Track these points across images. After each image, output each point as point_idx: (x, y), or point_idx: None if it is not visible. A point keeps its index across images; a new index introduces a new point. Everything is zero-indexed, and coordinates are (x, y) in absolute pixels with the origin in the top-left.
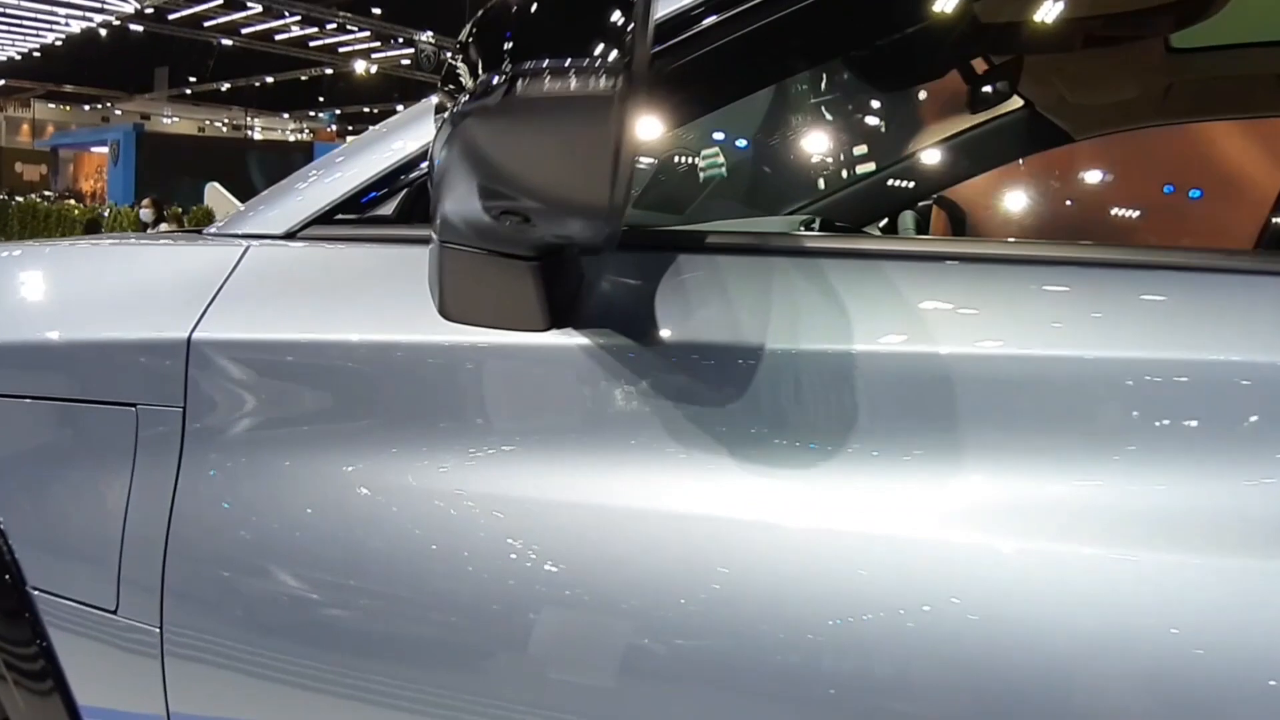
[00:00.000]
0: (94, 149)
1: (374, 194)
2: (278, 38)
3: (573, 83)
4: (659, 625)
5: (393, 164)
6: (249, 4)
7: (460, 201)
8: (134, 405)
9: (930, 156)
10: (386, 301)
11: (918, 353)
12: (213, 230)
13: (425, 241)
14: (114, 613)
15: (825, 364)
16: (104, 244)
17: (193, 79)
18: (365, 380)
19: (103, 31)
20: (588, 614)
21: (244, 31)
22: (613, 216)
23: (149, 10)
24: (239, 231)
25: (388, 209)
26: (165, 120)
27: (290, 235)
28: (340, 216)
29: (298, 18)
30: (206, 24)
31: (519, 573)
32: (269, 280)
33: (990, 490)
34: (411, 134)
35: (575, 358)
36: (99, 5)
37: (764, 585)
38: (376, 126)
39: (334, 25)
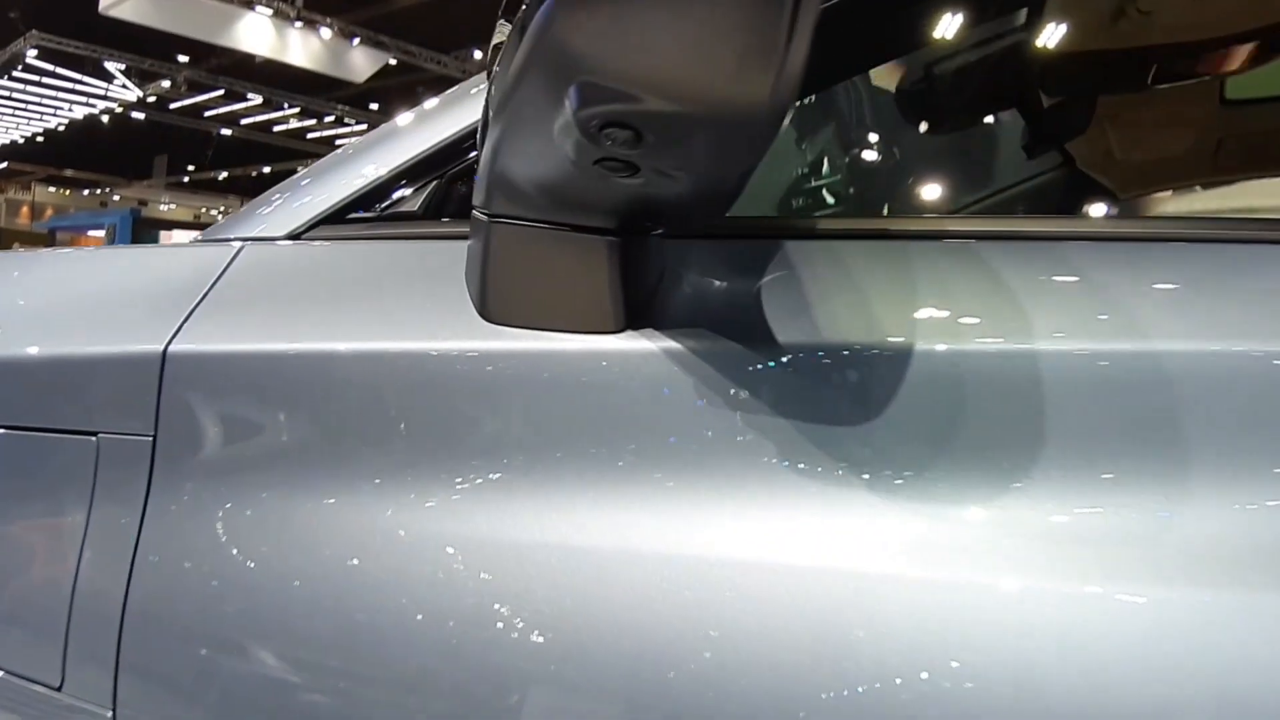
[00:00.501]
0: (91, 232)
1: (398, 190)
2: (276, 129)
3: None
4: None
5: (422, 152)
6: (249, 96)
7: (530, 142)
8: (94, 434)
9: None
10: (413, 303)
11: (1128, 351)
12: (202, 236)
13: (461, 237)
14: (58, 690)
15: (1000, 368)
16: (72, 251)
17: (191, 167)
18: (383, 400)
19: (105, 118)
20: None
21: (243, 122)
22: (775, 116)
23: (151, 99)
24: (231, 235)
25: (413, 205)
26: (162, 207)
27: (294, 236)
28: (355, 215)
29: (296, 110)
30: (207, 114)
31: (598, 641)
32: (266, 284)
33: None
34: (445, 120)
35: (655, 368)
36: (103, 91)
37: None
38: (400, 117)
39: (332, 118)
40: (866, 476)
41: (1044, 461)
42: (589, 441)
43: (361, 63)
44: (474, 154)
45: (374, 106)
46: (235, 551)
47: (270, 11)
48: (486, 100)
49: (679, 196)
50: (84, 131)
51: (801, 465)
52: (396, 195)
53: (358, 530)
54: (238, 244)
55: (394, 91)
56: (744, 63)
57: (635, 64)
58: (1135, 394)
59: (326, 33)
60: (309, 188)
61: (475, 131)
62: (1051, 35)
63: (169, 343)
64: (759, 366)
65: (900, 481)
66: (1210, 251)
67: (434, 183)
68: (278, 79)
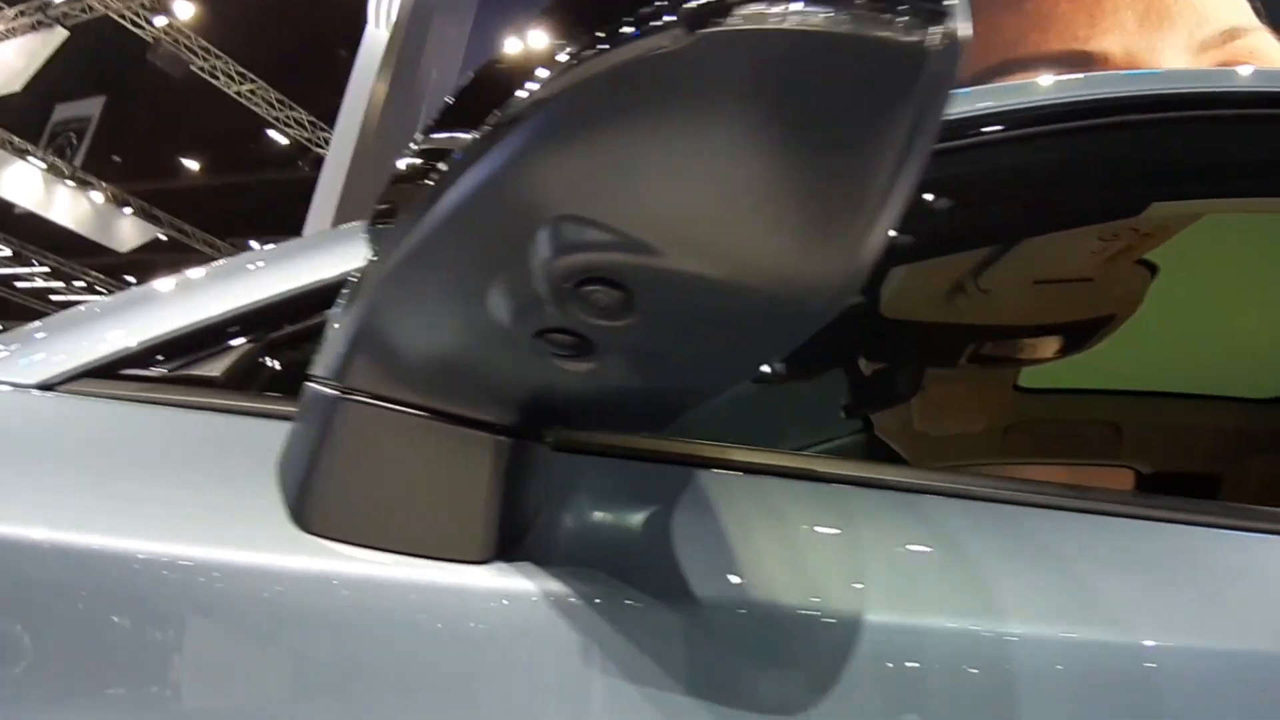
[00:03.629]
0: None
1: (199, 349)
2: (19, 284)
3: (856, 20)
4: None
5: (242, 306)
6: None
7: (438, 300)
8: None
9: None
10: (195, 493)
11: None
12: None
13: (276, 416)
14: None
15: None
16: None
17: None
18: (138, 623)
19: None
20: None
21: None
22: (837, 300)
23: None
24: None
25: (213, 370)
26: None
27: (47, 387)
28: (133, 372)
29: (46, 269)
30: None
31: None
32: None
33: None
34: (280, 272)
35: (525, 615)
36: None
37: None
38: (217, 263)
39: (83, 284)
40: None
41: None
42: (424, 708)
43: (129, 233)
44: (314, 318)
45: (132, 280)
46: None
47: (44, 166)
48: (373, 249)
49: (630, 394)
50: None
51: None
52: (195, 354)
53: None
54: None
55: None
56: (823, 226)
57: (664, 203)
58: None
59: (98, 196)
60: (76, 329)
61: (316, 291)
62: (891, 301)
63: None
64: (660, 624)
65: None
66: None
67: (249, 345)
68: (33, 234)
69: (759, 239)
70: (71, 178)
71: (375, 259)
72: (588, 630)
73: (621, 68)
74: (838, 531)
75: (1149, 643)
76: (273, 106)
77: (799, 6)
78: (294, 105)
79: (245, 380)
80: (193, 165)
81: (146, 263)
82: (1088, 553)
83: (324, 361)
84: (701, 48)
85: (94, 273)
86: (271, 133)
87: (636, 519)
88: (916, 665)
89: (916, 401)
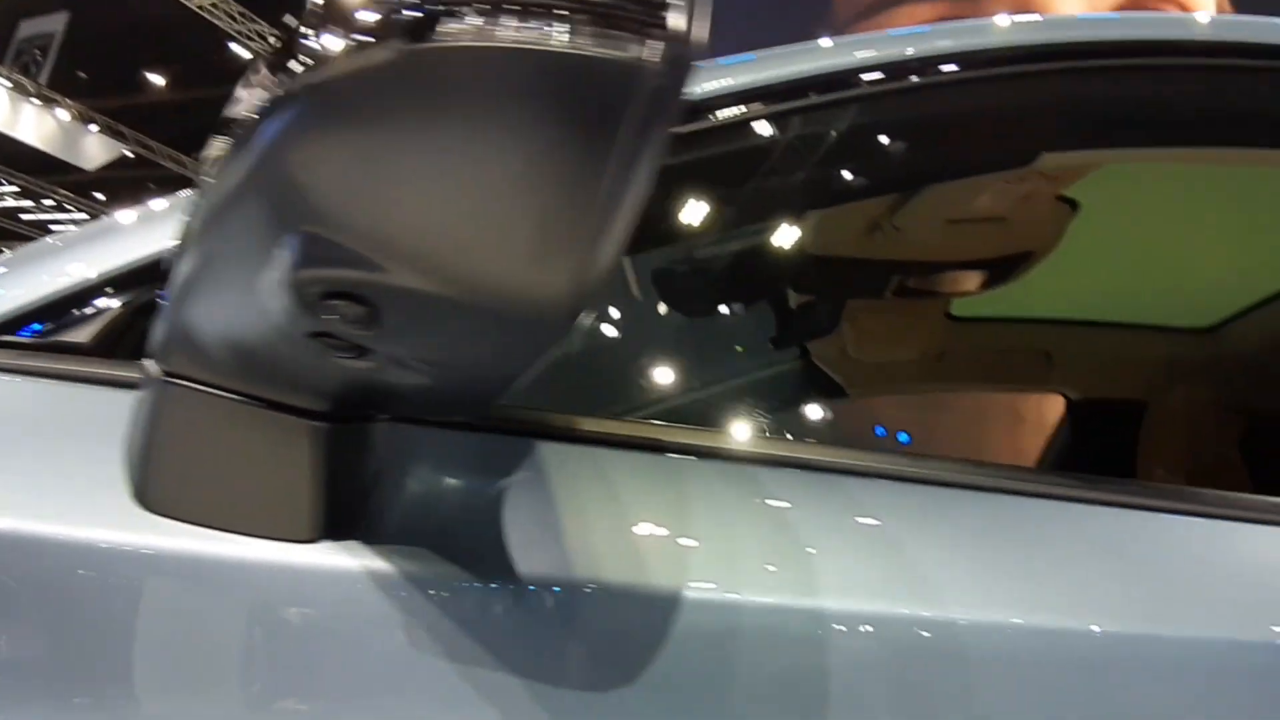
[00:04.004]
0: None
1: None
2: None
3: (575, 33)
4: None
5: (111, 270)
6: None
7: (229, 289)
8: None
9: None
10: (46, 465)
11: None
12: None
13: (127, 385)
14: None
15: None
16: None
17: None
18: None
19: None
20: None
21: None
22: (571, 314)
23: None
24: None
25: (82, 336)
26: None
27: None
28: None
29: (16, 189)
30: None
31: None
32: None
33: None
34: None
35: (352, 592)
36: None
37: None
38: (104, 219)
39: (51, 202)
40: None
41: None
42: (251, 680)
43: (96, 150)
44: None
45: (101, 197)
46: None
47: (9, 84)
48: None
49: (422, 390)
50: None
51: None
52: (68, 318)
53: None
54: None
55: (125, 185)
56: (546, 243)
57: (387, 221)
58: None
59: (64, 114)
60: None
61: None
62: (807, 238)
63: None
64: (485, 602)
65: None
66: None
67: (119, 309)
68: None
69: (483, 257)
70: (38, 96)
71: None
72: (411, 609)
73: (331, 82)
74: (672, 504)
75: (962, 617)
76: (235, 20)
77: (513, 22)
78: (255, 18)
79: (115, 346)
80: (157, 81)
81: (114, 180)
82: (918, 526)
83: (153, 341)
84: (409, 63)
85: (63, 191)
86: (234, 46)
87: (472, 493)
88: (736, 640)
89: (849, 331)
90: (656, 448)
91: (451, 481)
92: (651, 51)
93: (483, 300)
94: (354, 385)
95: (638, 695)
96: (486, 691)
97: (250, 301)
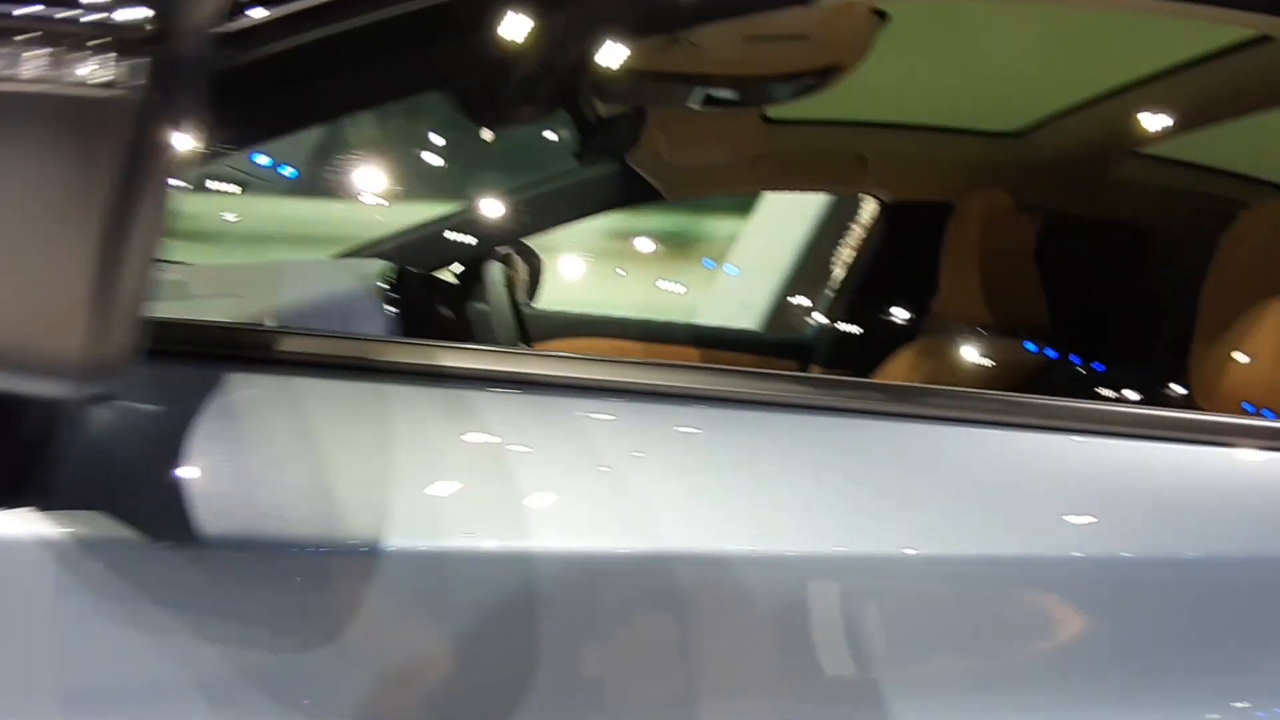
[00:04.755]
0: None
1: None
2: None
3: (39, 64)
4: None
5: None
6: None
7: None
8: None
9: (514, 203)
10: None
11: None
12: None
13: None
14: None
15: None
16: None
17: None
18: None
19: None
20: None
21: None
22: (107, 365)
23: None
24: None
25: None
26: None
27: None
28: None
29: None
30: None
31: None
32: None
33: None
34: None
35: (30, 558)
36: None
37: None
38: None
39: None
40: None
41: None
42: None
43: None
44: None
45: None
46: None
47: None
48: None
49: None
50: None
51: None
52: None
53: None
54: None
55: None
56: (45, 303)
57: None
58: None
59: None
60: None
61: None
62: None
63: None
64: (162, 564)
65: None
66: None
67: None
68: None
69: None
70: None
71: None
72: (85, 574)
73: None
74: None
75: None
76: None
77: None
78: None
79: None
80: None
81: None
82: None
83: None
84: None
85: None
86: None
87: (157, 439)
88: (444, 585)
89: (660, 136)
90: (363, 368)
91: (139, 426)
92: (130, 89)
93: None
94: None
95: (330, 652)
96: (163, 655)
97: None
